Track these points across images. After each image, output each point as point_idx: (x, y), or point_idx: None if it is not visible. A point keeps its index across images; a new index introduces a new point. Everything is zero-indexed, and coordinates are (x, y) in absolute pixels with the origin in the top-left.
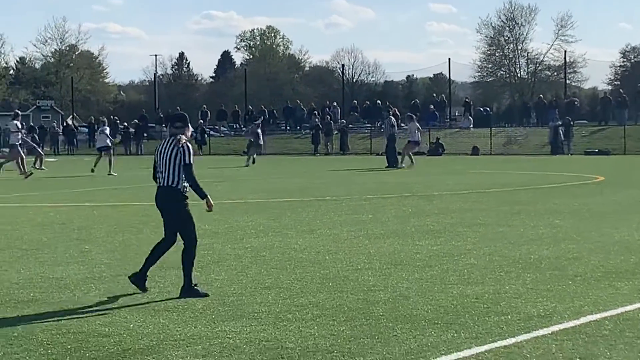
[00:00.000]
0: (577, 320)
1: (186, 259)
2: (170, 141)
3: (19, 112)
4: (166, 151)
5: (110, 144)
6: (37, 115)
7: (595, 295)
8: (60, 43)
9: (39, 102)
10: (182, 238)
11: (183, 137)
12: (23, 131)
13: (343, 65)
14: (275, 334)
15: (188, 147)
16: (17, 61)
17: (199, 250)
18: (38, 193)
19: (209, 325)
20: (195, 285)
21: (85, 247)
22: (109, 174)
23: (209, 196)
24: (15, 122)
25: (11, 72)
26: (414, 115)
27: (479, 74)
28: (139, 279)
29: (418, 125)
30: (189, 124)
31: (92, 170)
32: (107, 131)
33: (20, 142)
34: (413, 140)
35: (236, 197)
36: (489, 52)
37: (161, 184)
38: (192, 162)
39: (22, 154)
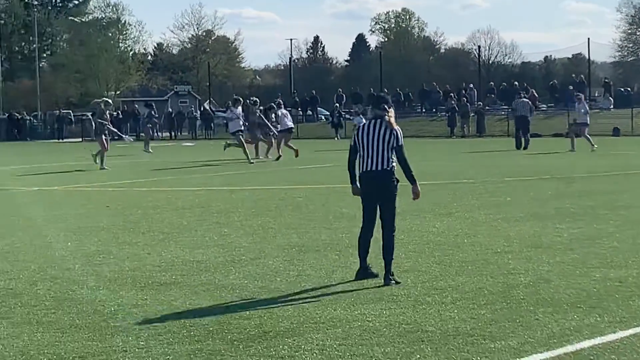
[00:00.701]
0: None
1: (392, 242)
2: (378, 123)
3: (240, 99)
4: (374, 134)
5: (292, 126)
6: (174, 100)
7: None
8: (197, 29)
9: (176, 88)
10: (389, 221)
11: (392, 119)
12: (255, 115)
13: (479, 47)
14: (414, 317)
15: (399, 129)
16: (155, 47)
17: (338, 232)
18: (175, 177)
19: (349, 308)
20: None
21: (224, 230)
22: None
23: (417, 183)
24: (235, 109)
25: (149, 58)
26: (582, 95)
27: (620, 53)
28: (365, 274)
29: (586, 106)
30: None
31: (297, 155)
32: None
33: (240, 128)
34: (581, 122)
35: None
36: (629, 31)
37: (371, 168)
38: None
39: (243, 140)
